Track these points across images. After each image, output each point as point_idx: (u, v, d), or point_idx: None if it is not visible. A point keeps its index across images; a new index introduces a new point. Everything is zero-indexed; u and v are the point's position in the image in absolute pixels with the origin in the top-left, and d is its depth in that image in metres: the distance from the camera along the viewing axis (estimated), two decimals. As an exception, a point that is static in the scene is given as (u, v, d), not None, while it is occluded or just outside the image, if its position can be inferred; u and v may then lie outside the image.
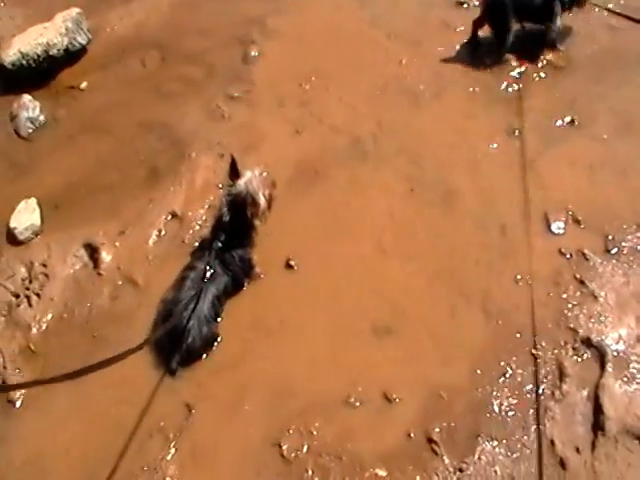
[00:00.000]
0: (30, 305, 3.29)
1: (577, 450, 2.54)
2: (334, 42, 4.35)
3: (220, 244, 3.03)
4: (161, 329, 2.87)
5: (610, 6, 4.41)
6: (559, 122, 3.78)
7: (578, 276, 3.07)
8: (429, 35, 4.39)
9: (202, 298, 2.92)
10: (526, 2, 4.18)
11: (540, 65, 4.14)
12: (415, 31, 4.41)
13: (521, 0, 4.16)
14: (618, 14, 4.44)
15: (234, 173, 3.06)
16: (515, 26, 4.20)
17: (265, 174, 3.11)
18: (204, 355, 2.94)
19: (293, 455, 2.63)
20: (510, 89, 4.00)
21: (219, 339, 2.98)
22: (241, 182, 3.01)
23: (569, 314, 2.94)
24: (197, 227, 3.40)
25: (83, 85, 4.36)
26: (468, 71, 4.15)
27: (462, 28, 4.38)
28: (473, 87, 4.04)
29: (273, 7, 4.69)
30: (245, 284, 3.15)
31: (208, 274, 2.96)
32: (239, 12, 4.70)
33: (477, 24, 4.28)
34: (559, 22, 4.22)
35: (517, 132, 3.71)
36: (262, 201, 3.05)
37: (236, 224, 3.04)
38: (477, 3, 4.52)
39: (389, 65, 4.17)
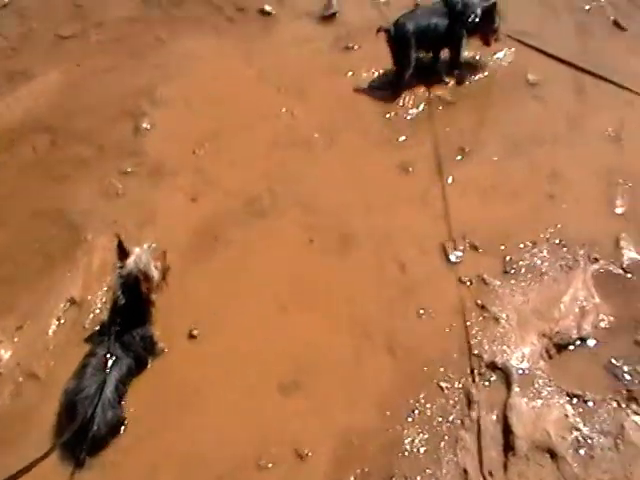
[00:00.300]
0: None
1: (490, 474, 2.78)
2: (224, 103, 4.69)
3: (118, 327, 3.22)
4: (67, 431, 2.95)
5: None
6: (451, 152, 4.20)
7: (479, 302, 3.40)
8: (319, 83, 4.80)
9: (105, 384, 3.10)
10: (430, 30, 4.55)
11: (432, 98, 4.61)
12: (305, 81, 4.82)
13: (425, 29, 4.53)
14: (529, 46, 5.03)
15: (122, 253, 3.26)
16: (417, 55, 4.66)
17: (154, 246, 3.37)
18: (112, 440, 3.08)
19: (211, 526, 2.79)
20: (402, 125, 4.43)
21: (125, 421, 3.12)
22: (130, 261, 3.22)
23: (473, 341, 3.24)
24: (97, 311, 3.57)
25: None
26: (360, 112, 4.57)
27: (351, 73, 4.83)
28: (366, 128, 4.45)
29: (161, 74, 5.02)
30: (149, 362, 3.33)
31: (109, 359, 3.16)
32: (127, 84, 5.01)
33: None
34: (465, 49, 4.73)
35: (410, 168, 4.11)
36: (154, 275, 3.28)
37: (132, 304, 3.23)
38: (364, 47, 4.99)
39: (281, 118, 4.55)
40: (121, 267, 3.22)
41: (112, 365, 3.10)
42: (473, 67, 4.84)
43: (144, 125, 4.66)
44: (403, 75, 4.67)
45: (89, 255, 3.85)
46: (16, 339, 3.54)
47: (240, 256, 3.75)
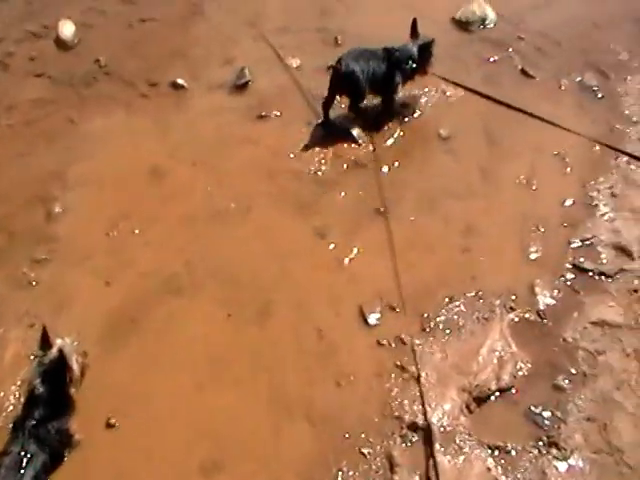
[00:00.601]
0: None
1: (414, 537, 3.02)
2: (137, 182, 5.00)
3: (34, 420, 3.38)
4: None
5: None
6: (366, 213, 4.58)
7: (399, 363, 3.69)
8: (234, 153, 5.16)
9: None
10: (370, 72, 5.04)
11: (346, 159, 5.02)
12: (220, 152, 5.17)
13: (366, 70, 5.03)
14: (455, 83, 5.62)
15: (45, 343, 3.49)
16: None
17: (76, 343, 3.57)
18: None
19: None
20: (316, 189, 4.80)
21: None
22: (54, 350, 3.44)
23: (393, 403, 3.52)
24: (10, 407, 3.71)
25: None
26: (275, 180, 4.92)
27: (265, 141, 5.20)
28: (281, 195, 4.80)
29: (73, 157, 5.29)
30: (65, 455, 3.47)
31: (23, 457, 3.29)
32: (39, 168, 5.25)
33: (327, 104, 5.21)
34: (400, 93, 5.27)
35: (326, 232, 4.45)
36: (75, 368, 3.49)
37: (50, 394, 3.41)
38: (278, 114, 5.44)
39: (196, 192, 4.87)
40: (43, 356, 3.44)
41: (26, 464, 3.26)
42: (386, 125, 5.31)
43: (56, 209, 4.89)
44: (357, 106, 5.24)
45: (1, 349, 4.02)
46: None
47: (157, 337, 3.98)
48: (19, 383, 3.83)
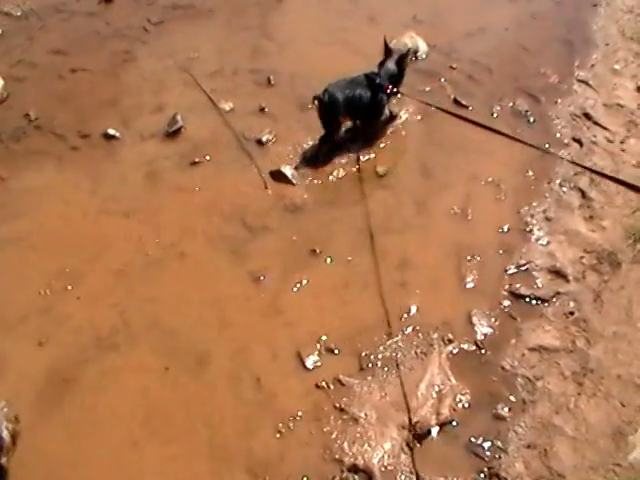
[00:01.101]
0: None
1: None
2: (69, 238, 5.05)
3: None
4: None
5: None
6: (302, 255, 4.72)
7: (337, 404, 3.79)
8: (168, 201, 5.28)
9: None
10: (356, 99, 5.47)
11: (279, 200, 5.18)
12: (152, 202, 5.28)
13: (351, 98, 5.45)
14: (428, 104, 5.95)
15: None
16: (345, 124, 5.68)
17: (6, 409, 3.60)
18: None
19: None
20: (251, 232, 4.94)
21: None
22: None
23: (333, 446, 3.61)
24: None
25: None
26: (210, 224, 5.04)
27: (198, 187, 5.36)
28: (216, 239, 4.91)
29: (1, 215, 5.31)
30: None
31: None
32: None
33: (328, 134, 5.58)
34: (387, 112, 5.72)
35: (261, 276, 4.58)
36: (6, 437, 3.51)
37: None
38: (211, 158, 5.60)
39: (129, 243, 4.94)
40: None
41: None
42: (320, 169, 5.52)
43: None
44: (330, 139, 5.61)
45: None
46: None
47: (92, 396, 3.99)
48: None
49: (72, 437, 3.81)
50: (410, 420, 3.68)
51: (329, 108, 5.45)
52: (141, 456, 3.68)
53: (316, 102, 5.44)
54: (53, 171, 5.71)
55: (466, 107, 6.10)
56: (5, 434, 3.51)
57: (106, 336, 4.33)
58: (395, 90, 5.70)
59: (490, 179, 5.31)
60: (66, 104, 6.51)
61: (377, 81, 5.56)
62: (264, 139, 5.76)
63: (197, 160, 5.63)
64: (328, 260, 4.66)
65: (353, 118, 5.76)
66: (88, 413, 3.92)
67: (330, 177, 5.40)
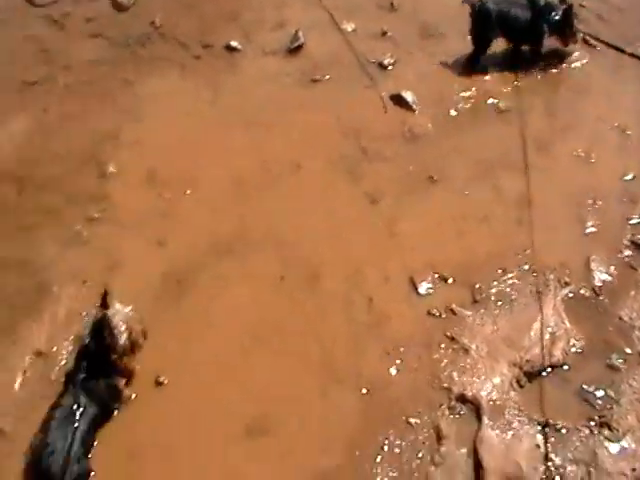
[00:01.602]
0: None
1: (460, 511, 2.91)
2: (191, 143, 4.89)
3: (85, 373, 3.38)
4: None
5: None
6: (420, 181, 4.39)
7: (448, 333, 3.55)
8: (287, 117, 5.00)
9: (70, 437, 3.23)
10: (511, 17, 5.02)
11: (402, 127, 4.82)
12: (273, 116, 5.01)
13: (506, 15, 4.99)
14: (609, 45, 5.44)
15: (104, 305, 3.45)
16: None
17: (132, 313, 3.47)
18: (78, 495, 3.22)
19: None
20: (370, 154, 4.63)
21: (92, 474, 3.23)
22: (110, 313, 3.40)
23: (442, 374, 3.39)
24: (63, 362, 3.70)
25: None
26: (329, 143, 4.76)
27: (317, 106, 5.04)
28: (335, 158, 4.64)
29: (127, 117, 5.20)
30: (114, 410, 3.46)
31: (75, 410, 3.30)
32: (94, 129, 5.18)
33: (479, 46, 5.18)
34: (544, 44, 5.18)
35: (378, 198, 4.29)
36: (123, 339, 3.41)
37: (99, 354, 3.40)
38: (331, 78, 5.26)
39: (249, 155, 4.72)
40: (100, 316, 3.40)
41: (79, 416, 3.24)
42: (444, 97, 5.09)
43: (110, 169, 4.83)
44: (476, 56, 5.20)
45: (55, 306, 3.99)
46: (-18, 394, 3.71)
47: (208, 299, 3.89)
48: (72, 338, 3.83)
49: (188, 335, 3.73)
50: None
51: (479, 20, 5.00)
52: (252, 360, 3.57)
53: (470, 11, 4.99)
54: (176, 78, 5.52)
55: (594, 47, 5.51)
56: (123, 337, 3.45)
57: (222, 242, 4.20)
58: (556, 24, 5.07)
59: (616, 124, 4.79)
60: (190, 14, 6.22)
61: (538, 6, 5.02)
62: (385, 62, 5.36)
63: (317, 78, 5.31)
64: (445, 189, 4.33)
65: (508, 38, 5.22)
66: (204, 315, 3.82)
67: (452, 106, 4.98)
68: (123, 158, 4.87)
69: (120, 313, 3.42)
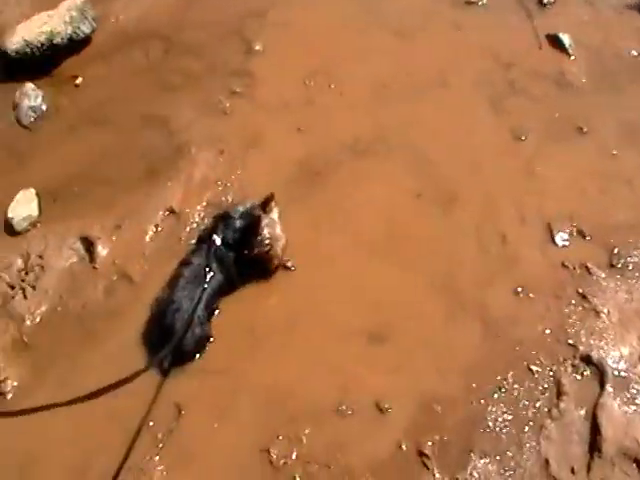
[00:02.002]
0: (25, 297, 3.17)
1: (572, 471, 2.43)
2: (340, 38, 4.18)
3: (219, 242, 2.94)
4: (165, 351, 2.70)
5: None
6: (566, 130, 3.63)
7: (580, 290, 2.94)
8: (437, 33, 4.22)
9: (197, 298, 2.83)
10: None
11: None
12: (422, 29, 4.24)
13: None
14: None
15: (265, 206, 2.95)
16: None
17: (276, 216, 3.00)
18: (196, 356, 2.84)
19: (282, 462, 2.52)
20: (520, 86, 3.86)
21: (212, 340, 2.87)
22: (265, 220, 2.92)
23: (569, 330, 2.82)
24: (194, 225, 3.27)
25: (78, 81, 4.19)
26: (476, 67, 3.98)
27: (470, 28, 4.21)
28: (483, 83, 3.88)
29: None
30: (239, 285, 3.02)
31: (205, 272, 2.88)
32: (243, 4, 4.50)
33: None
34: None
35: (524, 137, 3.58)
36: (266, 248, 2.94)
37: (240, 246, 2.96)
38: (486, 2, 4.37)
39: (396, 60, 4.02)
40: (257, 218, 2.91)
41: (209, 279, 2.84)
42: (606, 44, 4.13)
43: (256, 47, 4.18)
44: None
45: (191, 168, 3.52)
46: (114, 238, 3.29)
47: (341, 195, 3.35)
48: (204, 204, 3.38)
49: (316, 227, 3.23)
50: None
51: None
52: (377, 268, 3.05)
53: None
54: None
55: None
56: (266, 246, 2.93)
57: (361, 141, 3.59)
58: None
59: None
60: None
61: None
62: (545, 0, 4.44)
63: (473, 0, 4.43)
64: (592, 145, 3.55)
65: None
66: (334, 211, 3.30)
67: (612, 59, 4.06)
68: (270, 38, 4.21)
69: (272, 224, 2.93)
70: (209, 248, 2.92)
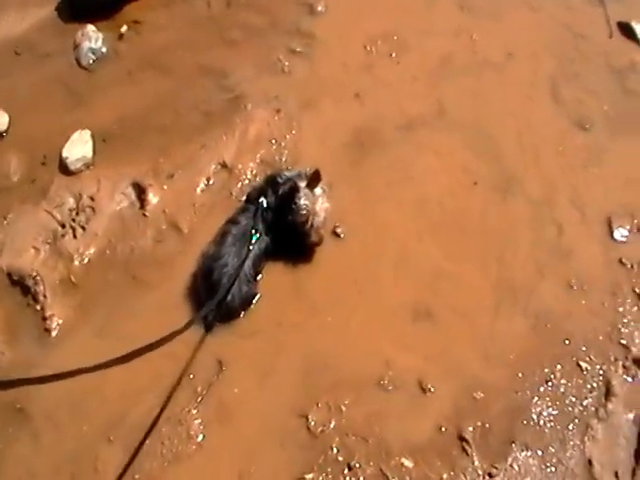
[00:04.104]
0: (75, 237, 2.93)
1: (616, 475, 2.17)
2: (405, 7, 3.73)
3: (265, 204, 2.65)
4: (207, 307, 2.44)
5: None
6: (635, 122, 3.21)
7: (637, 290, 2.61)
8: (505, 8, 3.72)
9: (244, 255, 2.56)
10: None
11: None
12: (490, 3, 3.74)
13: None
14: None
15: (314, 181, 2.60)
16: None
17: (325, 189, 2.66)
18: (242, 313, 2.59)
19: (319, 430, 2.30)
20: (574, 74, 3.39)
21: (258, 297, 2.62)
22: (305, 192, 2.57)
23: (623, 329, 2.51)
24: (246, 181, 2.97)
25: (123, 29, 3.79)
26: (541, 46, 3.52)
27: (537, 6, 3.71)
28: (544, 67, 3.41)
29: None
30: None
31: (252, 232, 2.59)
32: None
33: None
34: None
35: (588, 125, 3.17)
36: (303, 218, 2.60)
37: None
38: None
39: (460, 37, 3.56)
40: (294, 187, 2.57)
41: (255, 240, 2.56)
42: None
43: (319, 8, 3.74)
44: None
45: (247, 124, 3.18)
46: (165, 187, 3.00)
47: (396, 165, 3.00)
48: (258, 161, 3.07)
49: (367, 196, 2.90)
50: None
51: None
52: (425, 249, 2.72)
53: None
54: None
55: None
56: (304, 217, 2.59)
57: (419, 114, 3.20)
58: None
59: None
60: None
61: None
62: (619, -15, 3.93)
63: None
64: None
65: None
66: (386, 183, 2.94)
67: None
68: (333, 1, 3.77)
69: (311, 197, 2.57)
70: (256, 209, 2.65)
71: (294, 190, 2.58)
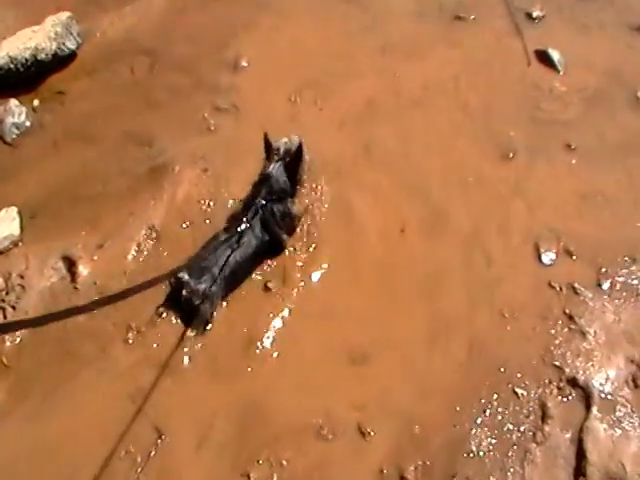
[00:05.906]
0: (5, 317, 3.21)
1: (556, 496, 2.47)
2: (325, 53, 4.25)
3: (263, 201, 3.09)
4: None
5: None
6: (556, 148, 3.69)
7: (567, 311, 2.98)
8: (426, 47, 4.30)
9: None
10: None
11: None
12: (410, 47, 4.32)
13: None
14: None
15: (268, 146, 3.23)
16: None
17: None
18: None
19: (262, 487, 2.57)
20: (506, 102, 3.91)
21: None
22: (295, 139, 3.22)
23: (555, 351, 2.85)
24: (175, 245, 3.30)
25: (35, 103, 4.23)
26: (460, 83, 4.05)
27: (460, 44, 4.31)
28: (462, 101, 3.95)
29: (266, 9, 4.58)
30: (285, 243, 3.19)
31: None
32: (230, 18, 4.60)
33: None
34: None
35: (511, 154, 3.63)
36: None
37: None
38: (475, 17, 4.45)
39: (383, 78, 4.09)
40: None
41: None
42: (595, 66, 4.25)
43: (243, 63, 4.26)
44: None
45: (174, 186, 3.54)
46: (95, 257, 3.31)
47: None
48: (187, 223, 3.41)
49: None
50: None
51: None
52: (358, 293, 3.09)
53: None
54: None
55: None
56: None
57: (350, 156, 3.64)
58: None
59: None
60: None
61: None
62: (535, 14, 4.53)
63: (462, 16, 4.55)
64: (580, 161, 3.62)
65: None
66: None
67: (602, 74, 4.13)
68: (257, 52, 4.32)
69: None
70: (254, 210, 3.08)
71: (300, 147, 3.16)
